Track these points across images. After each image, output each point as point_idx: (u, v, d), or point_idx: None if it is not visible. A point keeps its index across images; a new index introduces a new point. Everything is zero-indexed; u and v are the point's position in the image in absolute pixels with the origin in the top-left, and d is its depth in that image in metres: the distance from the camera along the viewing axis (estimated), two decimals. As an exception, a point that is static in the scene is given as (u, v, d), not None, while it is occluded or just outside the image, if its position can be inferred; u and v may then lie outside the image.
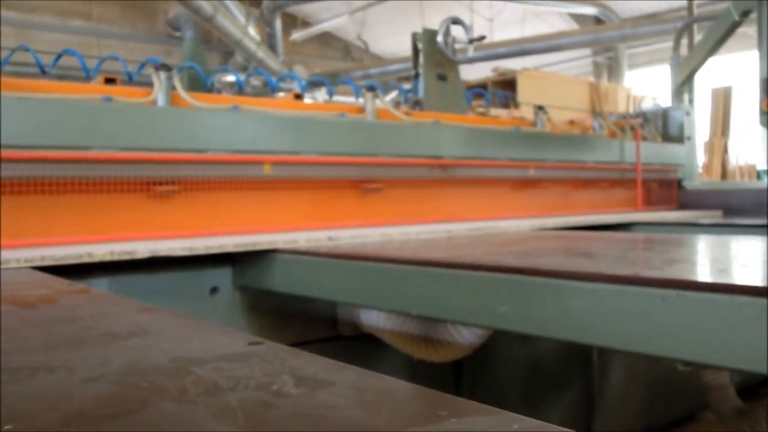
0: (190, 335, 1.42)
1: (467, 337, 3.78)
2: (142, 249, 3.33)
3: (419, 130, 5.28)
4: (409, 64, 6.27)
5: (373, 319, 3.84)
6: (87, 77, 4.37)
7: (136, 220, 3.96)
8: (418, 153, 5.18)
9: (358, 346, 3.98)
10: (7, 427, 0.89)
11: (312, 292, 3.41)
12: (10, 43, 11.99)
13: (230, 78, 12.17)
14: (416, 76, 6.01)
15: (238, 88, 5.19)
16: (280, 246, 3.67)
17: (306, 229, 4.38)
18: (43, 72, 4.27)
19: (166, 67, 4.20)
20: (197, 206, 4.20)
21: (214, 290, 3.85)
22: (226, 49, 15.21)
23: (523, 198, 6.08)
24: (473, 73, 14.32)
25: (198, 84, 5.71)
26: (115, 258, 3.27)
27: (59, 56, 4.37)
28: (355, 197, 4.91)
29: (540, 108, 6.56)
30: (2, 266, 2.93)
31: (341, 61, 20.03)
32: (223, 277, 3.84)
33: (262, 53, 12.48)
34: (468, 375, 4.34)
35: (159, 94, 4.14)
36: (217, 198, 4.28)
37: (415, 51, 6.00)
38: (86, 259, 3.19)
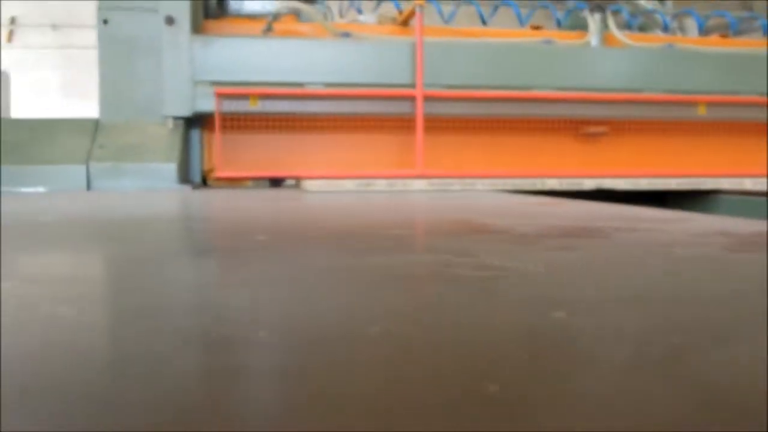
0: None
1: None
2: (589, 182, 3.44)
3: None
4: None
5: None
6: (520, 24, 4.63)
7: (571, 156, 4.11)
8: None
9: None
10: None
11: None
12: None
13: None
14: None
15: (664, 28, 4.99)
16: (725, 187, 3.48)
17: (742, 176, 4.06)
18: (483, 22, 4.63)
19: (600, 8, 4.22)
20: (626, 146, 4.19)
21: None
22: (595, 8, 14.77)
23: None
24: None
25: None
26: (563, 188, 3.44)
27: (497, 7, 4.69)
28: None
29: None
30: (471, 187, 3.30)
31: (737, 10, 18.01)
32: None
33: (650, 5, 11.76)
34: None
35: (593, 35, 4.19)
36: (645, 140, 4.22)
37: None
38: (539, 187, 3.42)
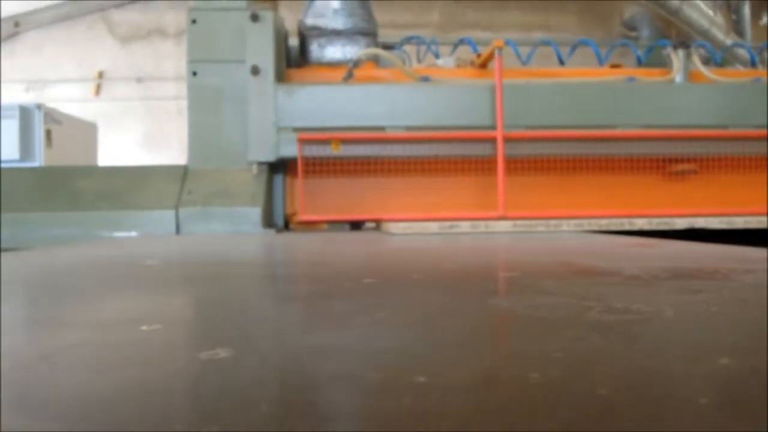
0: None
1: None
2: (680, 222, 3.34)
3: None
4: None
5: None
6: (600, 63, 4.59)
7: (659, 194, 4.00)
8: None
9: None
10: None
11: None
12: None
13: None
14: None
15: (752, 63, 4.87)
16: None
17: None
18: (561, 62, 4.60)
19: (684, 45, 4.15)
20: (716, 184, 4.06)
21: None
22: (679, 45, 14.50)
23: None
24: None
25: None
26: (653, 227, 3.34)
27: (574, 47, 4.66)
28: None
29: None
30: (557, 228, 3.24)
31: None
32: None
33: (729, 41, 11.51)
34: None
35: (678, 72, 4.11)
36: (736, 177, 4.07)
37: None
38: (627, 227, 3.33)
